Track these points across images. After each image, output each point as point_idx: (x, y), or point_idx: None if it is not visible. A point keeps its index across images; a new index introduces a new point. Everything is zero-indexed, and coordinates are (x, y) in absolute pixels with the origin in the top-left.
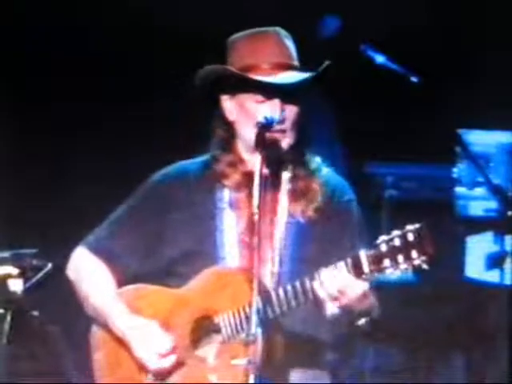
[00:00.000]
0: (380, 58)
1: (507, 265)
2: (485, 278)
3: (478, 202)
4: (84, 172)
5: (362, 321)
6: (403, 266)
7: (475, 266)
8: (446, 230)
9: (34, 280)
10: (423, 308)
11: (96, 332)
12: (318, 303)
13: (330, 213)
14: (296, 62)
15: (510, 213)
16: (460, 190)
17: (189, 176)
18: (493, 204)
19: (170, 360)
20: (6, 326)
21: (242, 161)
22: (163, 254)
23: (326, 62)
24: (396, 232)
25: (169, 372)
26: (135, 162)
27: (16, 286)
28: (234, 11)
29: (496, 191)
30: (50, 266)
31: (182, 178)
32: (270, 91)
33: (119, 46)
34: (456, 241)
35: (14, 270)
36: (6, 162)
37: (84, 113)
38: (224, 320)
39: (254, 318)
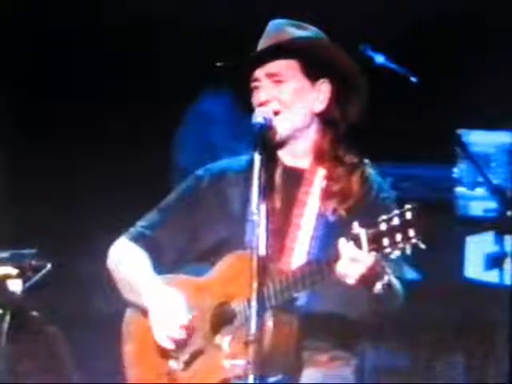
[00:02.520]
0: (380, 58)
1: (507, 265)
2: (484, 278)
3: (478, 202)
4: (84, 172)
5: (378, 287)
6: (401, 245)
7: (475, 266)
8: (446, 230)
9: (33, 280)
10: (422, 308)
11: (128, 324)
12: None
13: (364, 208)
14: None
15: (509, 213)
16: (460, 190)
17: (228, 172)
18: (493, 204)
19: (180, 334)
20: (6, 326)
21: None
22: (198, 245)
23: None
24: (395, 211)
25: (189, 360)
26: (135, 162)
27: (15, 286)
28: (234, 11)
29: (496, 191)
30: (49, 266)
31: (222, 173)
32: (255, 75)
33: (119, 45)
34: (456, 241)
35: (14, 270)
36: (6, 161)
37: (84, 113)
38: (239, 306)
39: (255, 318)
